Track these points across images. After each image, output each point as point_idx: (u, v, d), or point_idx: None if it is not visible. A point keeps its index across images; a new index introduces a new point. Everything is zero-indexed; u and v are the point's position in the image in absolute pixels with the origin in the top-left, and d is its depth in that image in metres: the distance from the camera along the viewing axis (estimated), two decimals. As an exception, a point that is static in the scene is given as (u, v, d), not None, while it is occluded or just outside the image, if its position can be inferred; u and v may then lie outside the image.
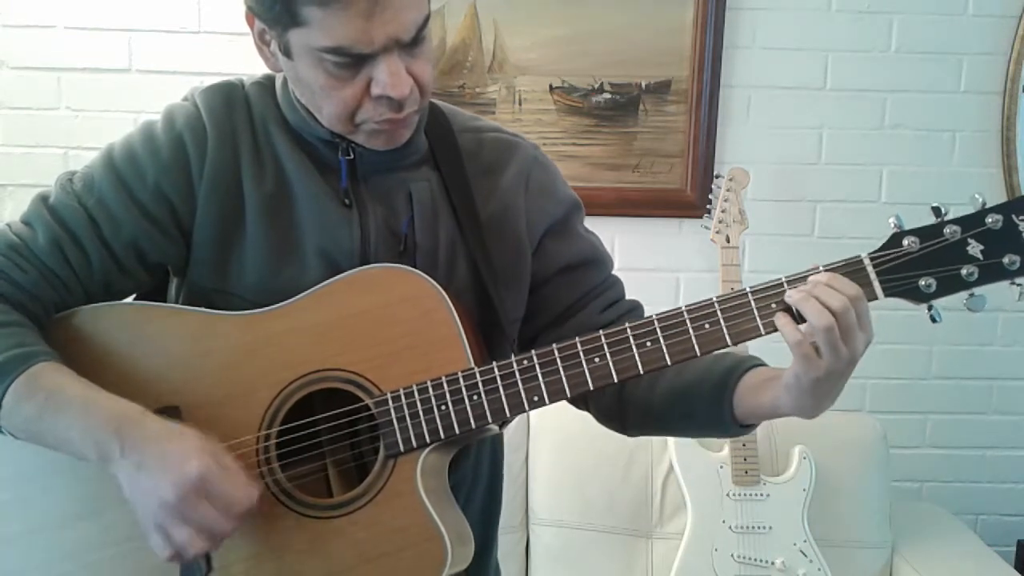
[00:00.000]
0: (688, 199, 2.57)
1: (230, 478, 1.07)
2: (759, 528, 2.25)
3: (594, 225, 2.53)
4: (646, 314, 1.19)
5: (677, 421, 1.27)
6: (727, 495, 2.27)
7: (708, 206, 2.43)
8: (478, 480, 1.35)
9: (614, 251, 2.59)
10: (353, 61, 1.07)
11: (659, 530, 2.39)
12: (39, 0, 2.44)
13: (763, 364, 1.21)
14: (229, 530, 1.07)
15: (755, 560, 2.24)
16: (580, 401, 1.33)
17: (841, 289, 1.04)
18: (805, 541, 2.25)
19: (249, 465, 1.15)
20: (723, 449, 2.30)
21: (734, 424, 1.20)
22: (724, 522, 2.26)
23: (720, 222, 2.36)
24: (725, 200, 2.37)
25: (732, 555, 2.24)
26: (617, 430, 1.36)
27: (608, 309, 1.32)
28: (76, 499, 1.18)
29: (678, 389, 1.24)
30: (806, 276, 1.08)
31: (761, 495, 2.27)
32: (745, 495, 2.27)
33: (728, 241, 2.35)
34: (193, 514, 1.04)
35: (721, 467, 2.28)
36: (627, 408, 1.30)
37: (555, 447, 2.39)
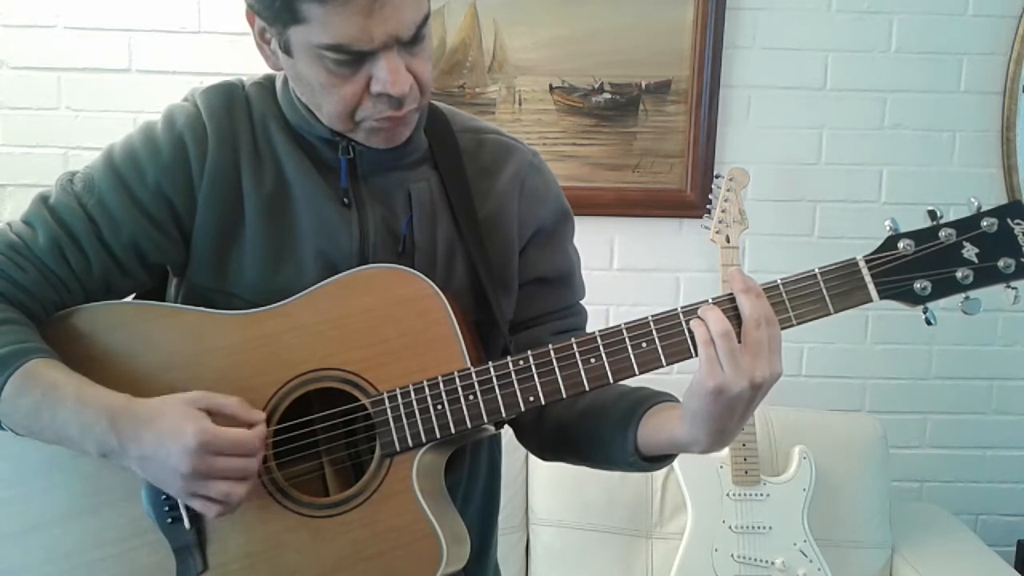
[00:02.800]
0: (688, 199, 2.57)
1: (230, 420, 1.10)
2: (759, 528, 2.25)
3: (594, 225, 2.54)
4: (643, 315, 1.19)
5: (585, 441, 1.25)
6: (727, 495, 2.27)
7: (708, 206, 2.43)
8: (475, 480, 1.35)
9: (614, 251, 2.59)
10: (353, 58, 1.08)
11: (659, 530, 2.39)
12: (39, 0, 2.44)
13: (677, 401, 1.19)
14: (256, 465, 1.10)
15: (755, 560, 2.24)
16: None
17: (753, 306, 1.05)
18: (805, 541, 2.25)
19: None
20: (723, 449, 2.30)
21: (635, 453, 1.18)
22: (724, 522, 2.26)
23: (720, 222, 2.36)
24: (725, 200, 2.37)
25: (732, 555, 2.24)
26: (535, 452, 1.37)
27: (562, 334, 1.29)
28: (75, 497, 1.18)
29: (593, 408, 1.24)
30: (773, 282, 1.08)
31: (761, 495, 2.27)
32: (745, 495, 2.27)
33: (728, 241, 2.35)
34: (215, 471, 1.07)
35: (721, 467, 2.28)
36: (545, 427, 1.30)
37: (555, 447, 2.39)
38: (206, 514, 1.11)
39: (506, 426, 1.28)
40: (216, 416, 1.09)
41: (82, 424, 1.10)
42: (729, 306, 1.08)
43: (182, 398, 1.11)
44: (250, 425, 1.11)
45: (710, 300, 1.09)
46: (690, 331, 1.08)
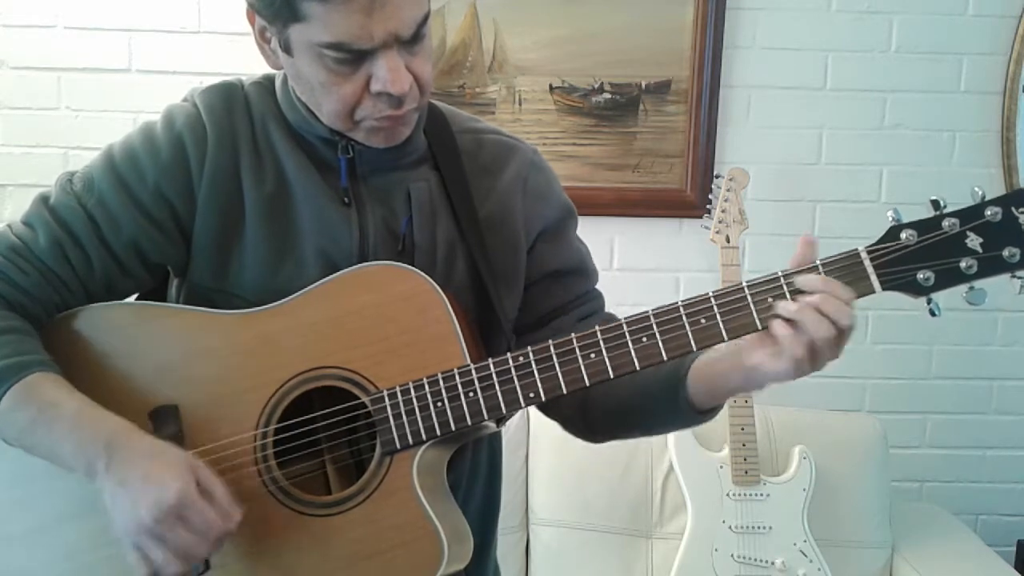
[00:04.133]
0: (688, 199, 2.57)
1: (210, 502, 1.07)
2: (759, 528, 2.25)
3: (594, 225, 2.54)
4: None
5: (637, 417, 1.27)
6: (727, 495, 2.27)
7: (708, 206, 2.44)
8: (476, 478, 1.35)
9: (614, 251, 2.60)
10: (353, 57, 1.08)
11: (659, 530, 2.39)
12: (39, 0, 2.44)
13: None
14: (205, 553, 1.07)
15: (755, 560, 2.24)
16: (548, 410, 1.34)
17: (846, 301, 1.05)
18: (805, 541, 2.25)
19: (246, 463, 1.16)
20: (723, 449, 2.30)
21: (691, 411, 1.19)
22: (724, 522, 2.26)
23: (720, 222, 2.36)
24: (725, 200, 2.37)
25: (732, 555, 2.24)
26: (585, 437, 1.36)
27: (585, 319, 1.31)
28: (77, 498, 1.17)
29: (636, 384, 1.23)
30: (803, 272, 1.08)
31: (761, 495, 2.27)
32: (745, 495, 2.27)
33: (728, 241, 2.35)
34: (169, 537, 1.05)
35: (721, 467, 2.28)
36: (590, 412, 1.30)
37: (555, 447, 2.39)
38: (135, 568, 1.08)
39: (507, 426, 1.28)
40: (202, 490, 1.07)
41: (76, 443, 1.09)
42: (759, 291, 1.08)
43: (183, 456, 1.10)
44: (225, 515, 1.08)
45: (746, 287, 1.09)
46: (691, 325, 1.08)
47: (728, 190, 2.37)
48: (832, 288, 1.05)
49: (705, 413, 1.20)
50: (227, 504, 1.09)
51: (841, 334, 1.05)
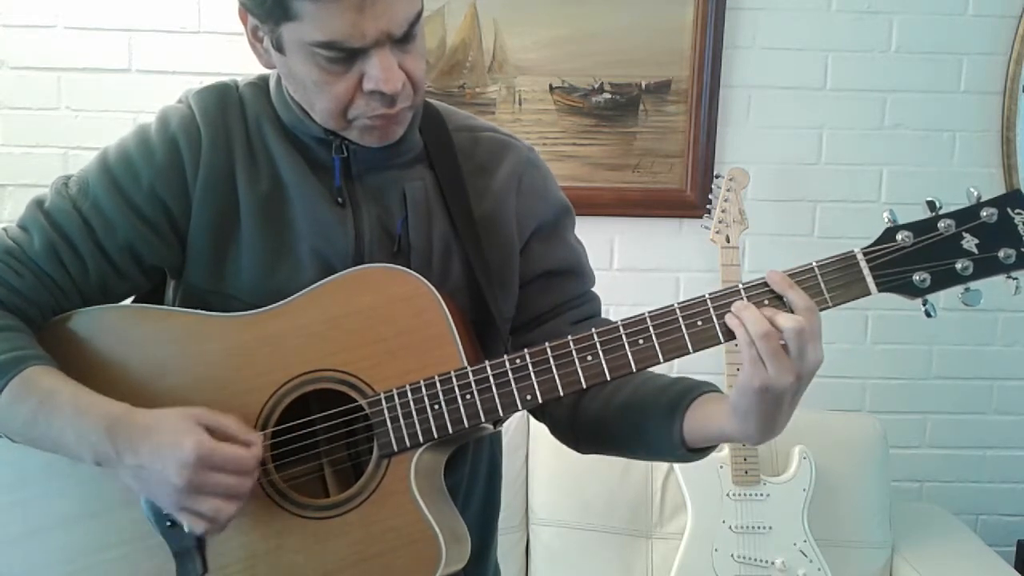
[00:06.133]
0: (688, 199, 2.57)
1: (228, 439, 1.09)
2: (759, 528, 2.25)
3: (593, 225, 2.55)
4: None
5: (627, 436, 1.25)
6: (727, 495, 2.26)
7: (708, 206, 2.43)
8: (476, 480, 1.35)
9: (614, 251, 2.60)
10: (345, 55, 1.07)
11: (659, 530, 2.39)
12: (39, 0, 2.44)
13: (719, 391, 1.20)
14: (249, 485, 1.10)
15: (755, 560, 2.24)
16: (538, 413, 1.34)
17: (794, 301, 1.05)
18: (805, 541, 2.25)
19: None
20: (723, 449, 2.30)
21: (682, 445, 1.17)
22: (724, 522, 2.26)
23: (720, 222, 2.36)
24: (725, 200, 2.37)
25: (732, 555, 2.24)
26: (570, 445, 1.36)
27: (580, 323, 1.30)
28: (76, 502, 1.18)
29: (634, 403, 1.23)
30: (798, 273, 1.08)
31: (761, 495, 2.27)
32: (745, 495, 2.26)
33: (728, 241, 2.35)
34: (208, 486, 1.07)
35: (721, 467, 2.28)
36: (581, 421, 1.29)
37: (555, 447, 2.33)
38: (193, 530, 1.10)
39: (507, 427, 1.28)
40: (214, 433, 1.09)
41: (78, 432, 1.10)
42: (755, 294, 1.08)
43: (181, 411, 1.11)
44: (246, 445, 1.10)
45: (741, 289, 1.08)
46: (688, 327, 1.08)
47: (728, 190, 2.37)
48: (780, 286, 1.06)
49: (692, 452, 1.18)
50: (242, 433, 1.11)
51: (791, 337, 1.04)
